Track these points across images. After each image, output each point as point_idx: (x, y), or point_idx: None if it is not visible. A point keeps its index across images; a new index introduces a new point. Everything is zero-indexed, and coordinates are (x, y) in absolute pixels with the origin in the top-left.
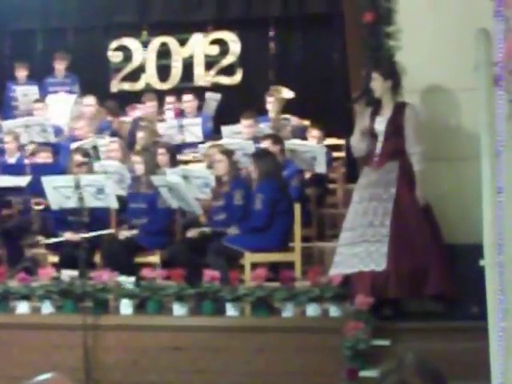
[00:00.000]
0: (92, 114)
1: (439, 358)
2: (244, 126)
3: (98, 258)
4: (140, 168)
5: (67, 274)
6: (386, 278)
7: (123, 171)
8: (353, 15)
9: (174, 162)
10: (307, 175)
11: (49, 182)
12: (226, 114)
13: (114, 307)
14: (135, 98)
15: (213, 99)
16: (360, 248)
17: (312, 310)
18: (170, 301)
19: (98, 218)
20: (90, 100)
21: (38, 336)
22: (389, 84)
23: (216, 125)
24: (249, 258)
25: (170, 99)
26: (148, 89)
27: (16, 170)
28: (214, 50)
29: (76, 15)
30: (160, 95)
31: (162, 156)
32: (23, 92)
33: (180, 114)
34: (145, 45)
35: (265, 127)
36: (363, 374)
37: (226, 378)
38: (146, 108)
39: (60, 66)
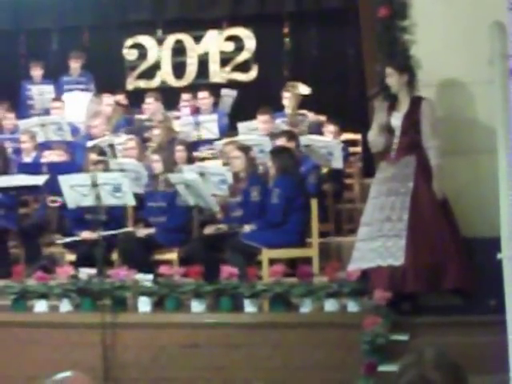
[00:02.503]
0: (109, 112)
1: (458, 351)
2: (260, 121)
3: (115, 256)
4: (158, 166)
5: (85, 272)
6: (404, 273)
7: (140, 169)
8: (368, 10)
9: (190, 159)
10: (324, 171)
11: (65, 180)
12: (242, 111)
13: (132, 305)
14: None
15: (228, 96)
16: (378, 243)
17: (330, 305)
18: (188, 298)
19: (115, 216)
20: (110, 100)
21: (57, 334)
22: (405, 79)
23: (232, 121)
24: (266, 254)
25: (185, 96)
26: (164, 86)
27: (32, 168)
28: (229, 46)
29: (91, 13)
30: (175, 92)
31: (181, 153)
32: (39, 91)
33: (196, 110)
34: (160, 42)
35: (281, 123)
36: (382, 368)
37: (244, 374)
38: (149, 106)
39: (75, 65)
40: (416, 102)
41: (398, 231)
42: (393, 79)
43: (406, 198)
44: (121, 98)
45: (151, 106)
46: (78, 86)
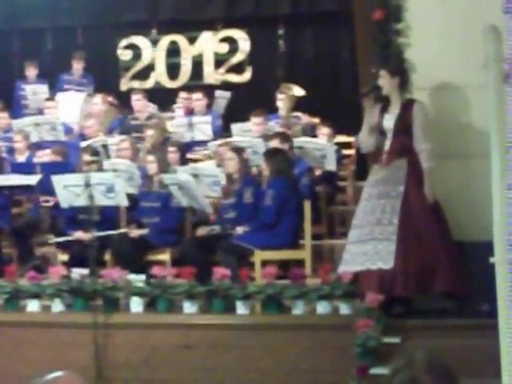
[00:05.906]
0: (101, 113)
1: (449, 355)
2: (254, 123)
3: (108, 256)
4: (153, 167)
5: (77, 272)
6: (393, 276)
7: (133, 169)
8: (362, 13)
9: (183, 160)
10: (317, 173)
11: (59, 180)
12: (236, 112)
13: (125, 305)
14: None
15: (222, 97)
16: (368, 246)
17: (322, 307)
18: (181, 299)
19: (108, 216)
20: (97, 99)
21: (49, 334)
22: (396, 81)
23: (226, 123)
24: (259, 255)
25: (183, 94)
26: (158, 87)
27: (26, 168)
28: (224, 47)
29: (85, 13)
30: (169, 93)
31: (173, 154)
32: (33, 90)
33: (190, 112)
34: (154, 43)
35: (275, 125)
36: (374, 371)
37: (236, 375)
38: (137, 103)
39: (78, 66)
40: (408, 105)
41: (388, 235)
42: (385, 81)
43: (396, 202)
44: (111, 98)
45: (139, 102)
46: (78, 87)
